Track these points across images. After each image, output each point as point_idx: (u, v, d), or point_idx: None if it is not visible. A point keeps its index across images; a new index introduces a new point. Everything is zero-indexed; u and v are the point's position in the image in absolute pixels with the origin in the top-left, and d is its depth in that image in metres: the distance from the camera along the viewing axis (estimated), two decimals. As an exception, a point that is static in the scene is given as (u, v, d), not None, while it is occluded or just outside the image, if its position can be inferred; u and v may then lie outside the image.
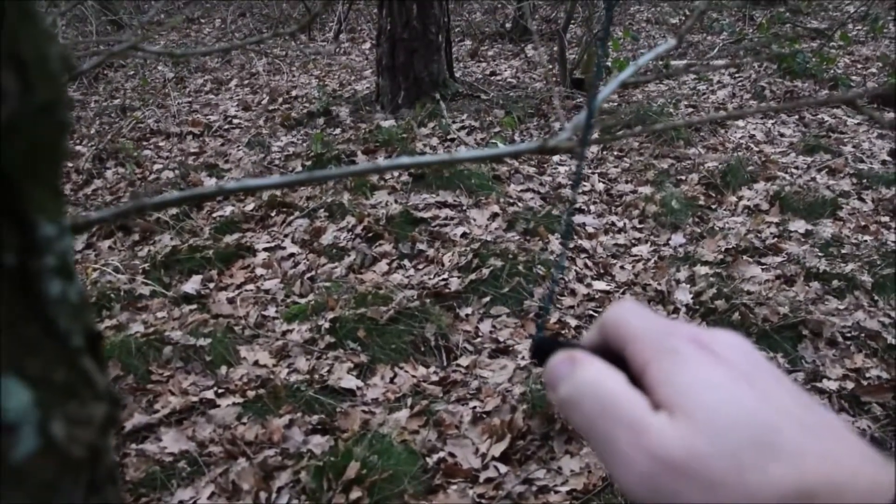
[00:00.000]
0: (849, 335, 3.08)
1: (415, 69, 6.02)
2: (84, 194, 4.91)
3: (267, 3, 10.14)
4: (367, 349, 3.09)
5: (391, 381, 2.97)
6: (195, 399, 2.82)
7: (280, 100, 6.65)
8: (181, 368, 2.99)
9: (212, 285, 3.65)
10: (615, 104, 5.99)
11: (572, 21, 7.23)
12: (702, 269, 3.58)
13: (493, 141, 5.29)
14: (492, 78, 7.03)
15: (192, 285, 3.61)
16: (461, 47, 8.25)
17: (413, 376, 2.98)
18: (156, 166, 5.24)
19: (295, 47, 8.34)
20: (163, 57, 7.18)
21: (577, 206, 4.29)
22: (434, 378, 2.97)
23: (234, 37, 9.12)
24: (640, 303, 0.43)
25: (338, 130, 5.72)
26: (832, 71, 6.62)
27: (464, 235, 3.89)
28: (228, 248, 3.89)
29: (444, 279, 3.52)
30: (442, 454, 2.56)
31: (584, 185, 4.57)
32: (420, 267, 3.71)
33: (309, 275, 3.68)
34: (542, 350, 0.42)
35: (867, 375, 2.87)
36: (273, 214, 4.25)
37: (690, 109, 5.96)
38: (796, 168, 4.82)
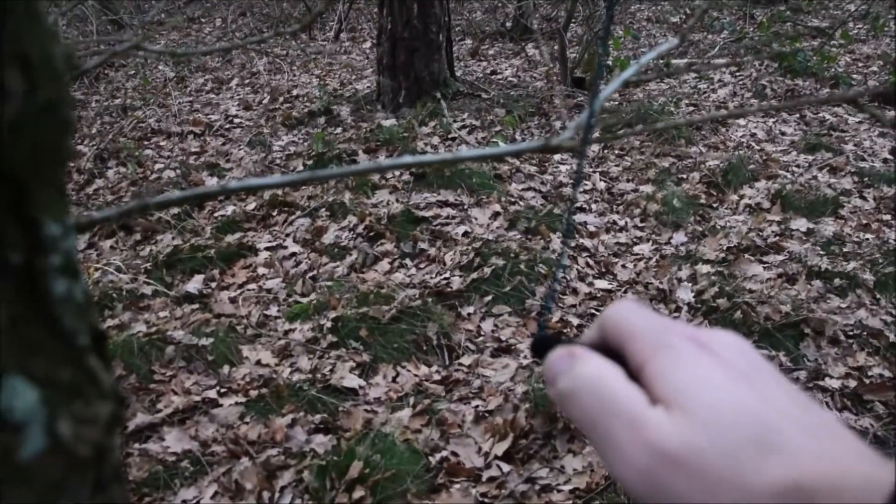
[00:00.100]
0: (851, 333, 3.08)
1: (415, 68, 6.02)
2: (85, 194, 4.91)
3: (267, 2, 10.14)
4: (369, 348, 3.09)
5: (393, 380, 2.97)
6: (198, 398, 2.82)
7: (281, 99, 6.65)
8: (184, 368, 2.99)
9: (214, 285, 3.65)
10: (616, 103, 5.99)
11: (573, 20, 7.23)
12: (703, 268, 3.58)
13: (494, 140, 5.28)
14: (492, 77, 7.03)
15: (194, 285, 3.61)
16: (462, 46, 8.25)
17: (415, 375, 2.98)
18: (157, 166, 5.25)
19: (296, 46, 8.34)
20: (164, 56, 7.18)
21: (579, 204, 4.29)
22: (436, 377, 2.97)
23: (234, 36, 9.13)
24: (639, 302, 0.43)
25: (339, 129, 5.72)
26: (833, 69, 6.61)
27: (465, 234, 3.90)
28: (230, 247, 3.90)
29: (445, 278, 3.52)
30: (444, 453, 2.56)
31: (586, 184, 4.57)
32: (422, 266, 3.71)
33: (311, 274, 3.68)
34: (542, 347, 0.42)
35: (869, 374, 2.86)
36: (274, 214, 4.25)
37: (691, 108, 5.96)
38: (798, 166, 4.82)
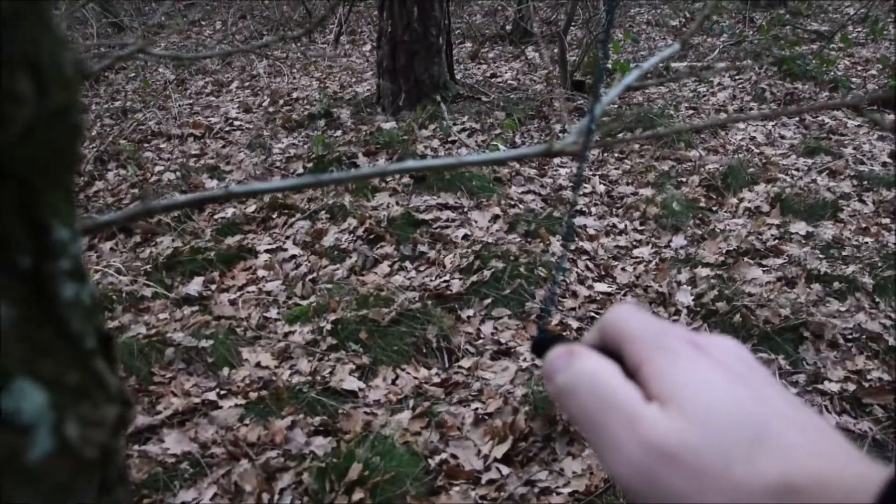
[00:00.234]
0: (850, 337, 3.08)
1: (415, 71, 6.03)
2: (85, 196, 4.91)
3: (267, 5, 10.15)
4: (368, 351, 3.09)
5: (393, 382, 2.97)
6: (197, 400, 2.82)
7: (281, 102, 6.66)
8: (183, 370, 2.99)
9: (213, 287, 3.66)
10: (616, 106, 6.00)
11: (573, 23, 7.24)
12: (703, 271, 3.58)
13: (494, 143, 5.29)
14: (492, 80, 7.04)
15: (193, 287, 3.61)
16: (462, 49, 8.26)
17: (415, 378, 2.98)
18: (157, 168, 5.25)
19: (296, 49, 8.35)
20: (166, 59, 7.19)
21: (578, 208, 4.29)
22: (436, 380, 2.97)
23: (234, 39, 9.13)
24: (639, 305, 0.43)
25: (339, 132, 5.72)
26: (832, 73, 6.63)
27: (465, 237, 3.90)
28: (230, 249, 3.90)
29: (445, 281, 3.52)
30: (444, 456, 2.56)
31: (585, 187, 4.58)
32: (421, 269, 3.71)
33: (310, 276, 3.69)
34: (543, 345, 0.43)
35: (868, 377, 2.87)
36: (274, 216, 4.26)
37: (691, 112, 5.97)
38: (797, 170, 4.83)
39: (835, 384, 2.84)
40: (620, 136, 5.33)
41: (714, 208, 4.41)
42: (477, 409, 2.76)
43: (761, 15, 9.20)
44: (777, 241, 3.90)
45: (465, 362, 3.06)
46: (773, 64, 6.73)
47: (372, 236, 3.92)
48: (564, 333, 3.18)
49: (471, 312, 3.35)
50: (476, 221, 4.08)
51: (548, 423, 2.63)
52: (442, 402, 2.82)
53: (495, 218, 4.11)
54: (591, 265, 3.74)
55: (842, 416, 2.70)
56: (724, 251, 3.80)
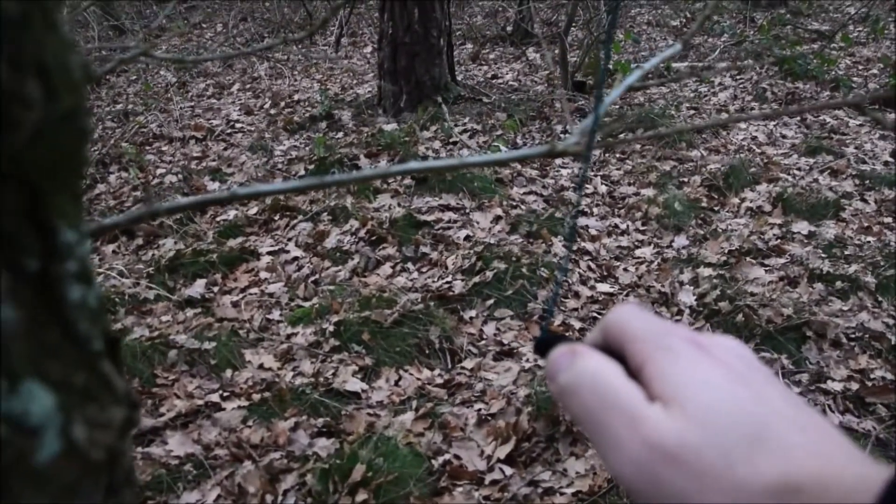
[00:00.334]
0: (853, 336, 3.08)
1: (416, 73, 6.03)
2: (88, 199, 4.92)
3: (268, 7, 10.16)
4: (371, 352, 3.09)
5: (396, 383, 2.97)
6: (200, 402, 2.83)
7: (282, 104, 6.66)
8: (186, 372, 3.00)
9: (216, 289, 3.66)
10: (618, 107, 6.00)
11: (574, 24, 7.24)
12: (705, 271, 3.58)
13: (496, 144, 5.29)
14: (493, 81, 7.04)
15: (196, 289, 3.61)
16: (462, 51, 8.26)
17: (418, 379, 2.98)
18: (159, 171, 5.25)
19: (297, 51, 8.35)
20: (168, 62, 7.20)
21: (581, 208, 4.29)
22: (439, 380, 2.97)
23: (235, 41, 9.14)
24: (641, 306, 0.44)
25: (340, 134, 5.73)
26: (833, 72, 6.62)
27: (467, 238, 3.90)
28: (232, 251, 3.90)
29: (447, 282, 3.52)
30: (447, 456, 2.56)
31: (587, 188, 4.58)
32: (424, 270, 3.71)
33: (313, 278, 3.69)
34: (546, 345, 0.43)
35: (871, 376, 2.86)
36: (276, 218, 4.26)
37: (692, 112, 5.96)
38: (798, 169, 4.82)
39: (838, 383, 2.83)
40: (622, 136, 5.34)
41: (716, 208, 4.41)
42: (480, 409, 2.76)
43: (762, 15, 9.19)
44: (779, 240, 3.90)
45: (468, 363, 3.06)
46: (774, 64, 6.73)
47: (374, 238, 3.92)
48: (567, 334, 3.18)
49: (473, 313, 3.35)
50: (478, 222, 4.08)
51: (551, 423, 2.63)
52: (445, 403, 2.82)
53: (497, 219, 4.11)
54: (593, 265, 3.74)
55: (845, 416, 2.70)
56: (726, 251, 3.80)
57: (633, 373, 0.39)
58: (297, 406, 2.80)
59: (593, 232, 4.08)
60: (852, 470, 0.33)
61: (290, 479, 2.45)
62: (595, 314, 3.35)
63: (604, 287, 3.56)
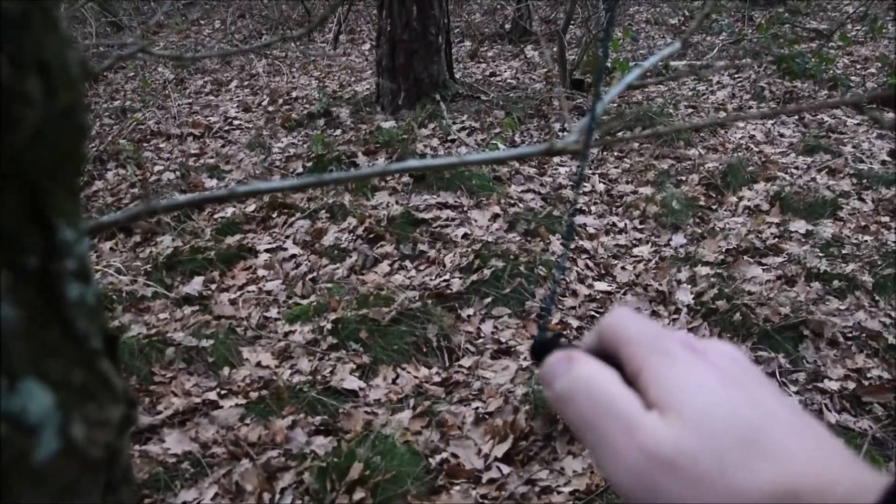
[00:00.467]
0: (850, 335, 3.08)
1: (415, 70, 6.03)
2: (85, 195, 4.91)
3: (266, 4, 10.14)
4: (369, 350, 3.09)
5: (393, 381, 2.97)
6: (198, 400, 2.82)
7: (280, 101, 6.66)
8: (184, 370, 2.99)
9: (213, 286, 3.66)
10: (615, 105, 6.00)
11: (572, 22, 7.24)
12: (703, 270, 3.59)
13: (494, 142, 5.29)
14: (491, 79, 7.04)
15: (193, 286, 3.61)
16: (461, 48, 8.26)
17: (415, 377, 2.98)
18: (157, 168, 5.25)
19: (295, 48, 8.34)
20: (166, 59, 7.19)
21: (578, 206, 4.29)
22: (436, 379, 2.97)
23: (233, 38, 9.13)
24: (636, 309, 0.44)
25: (338, 131, 5.72)
26: (831, 71, 6.63)
27: (465, 236, 3.90)
28: (230, 249, 3.90)
29: (445, 280, 3.52)
30: (445, 455, 2.56)
31: (585, 186, 4.58)
32: (421, 268, 3.71)
33: (311, 276, 3.69)
34: (541, 350, 0.43)
35: (868, 375, 2.87)
36: (274, 216, 4.26)
37: (690, 110, 5.97)
38: (796, 168, 4.83)
39: (835, 382, 2.84)
40: (620, 134, 5.34)
41: (714, 207, 4.41)
42: (477, 408, 2.76)
43: (760, 13, 9.20)
44: (777, 239, 3.91)
45: (466, 361, 3.06)
46: (773, 62, 6.73)
47: (372, 235, 3.92)
48: (564, 332, 3.18)
49: (471, 311, 3.35)
50: (476, 220, 4.08)
51: (548, 422, 2.63)
52: (442, 401, 2.82)
53: (495, 217, 4.11)
54: (591, 264, 3.74)
55: (842, 415, 2.71)
56: (723, 250, 3.81)
57: (630, 377, 0.39)
58: (294, 404, 2.80)
59: (591, 230, 4.08)
60: (849, 475, 0.33)
61: (288, 478, 2.45)
62: (593, 312, 3.35)
63: (601, 285, 3.56)
